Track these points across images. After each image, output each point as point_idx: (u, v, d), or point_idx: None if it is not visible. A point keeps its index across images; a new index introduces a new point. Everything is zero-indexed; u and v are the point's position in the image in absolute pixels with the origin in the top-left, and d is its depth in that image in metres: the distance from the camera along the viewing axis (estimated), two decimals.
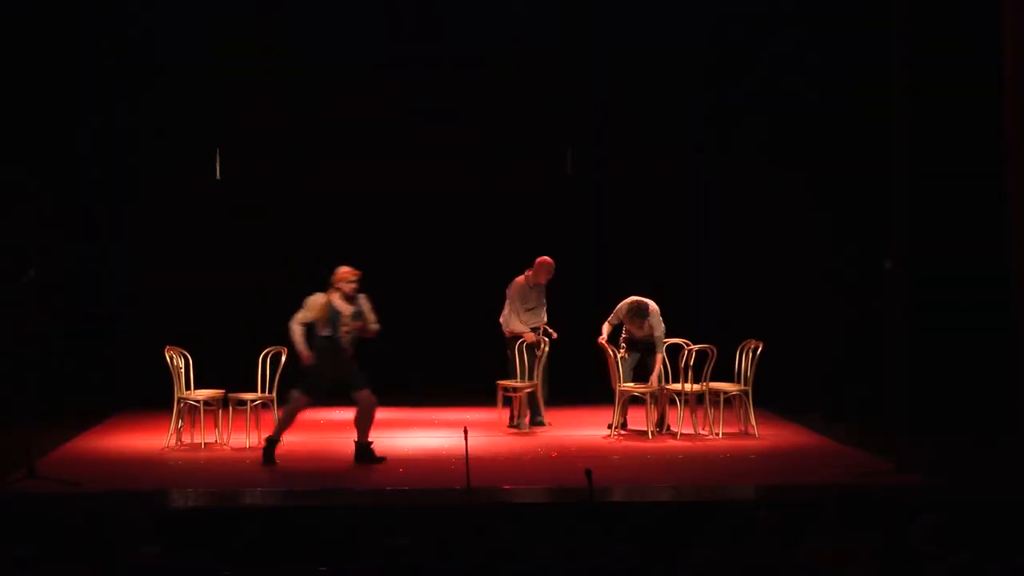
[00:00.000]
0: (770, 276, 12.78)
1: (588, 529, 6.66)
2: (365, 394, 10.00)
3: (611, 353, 11.11)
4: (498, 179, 13.25)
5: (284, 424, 10.03)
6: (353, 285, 9.99)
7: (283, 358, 10.56)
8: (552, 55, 13.14)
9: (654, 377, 11.07)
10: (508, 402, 11.53)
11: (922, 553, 6.15)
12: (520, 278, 11.50)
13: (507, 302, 11.57)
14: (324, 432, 11.48)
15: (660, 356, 11.08)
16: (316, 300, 9.98)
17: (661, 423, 11.18)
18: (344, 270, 10.01)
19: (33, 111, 12.50)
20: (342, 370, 10.02)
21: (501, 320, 11.62)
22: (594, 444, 10.80)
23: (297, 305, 13.05)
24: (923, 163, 11.19)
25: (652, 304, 11.13)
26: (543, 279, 11.49)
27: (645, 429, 11.08)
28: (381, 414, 12.35)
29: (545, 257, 11.48)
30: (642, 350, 11.21)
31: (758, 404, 11.16)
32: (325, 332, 9.97)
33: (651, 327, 11.10)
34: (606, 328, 11.25)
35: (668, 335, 11.16)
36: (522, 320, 11.46)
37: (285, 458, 10.13)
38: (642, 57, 13.16)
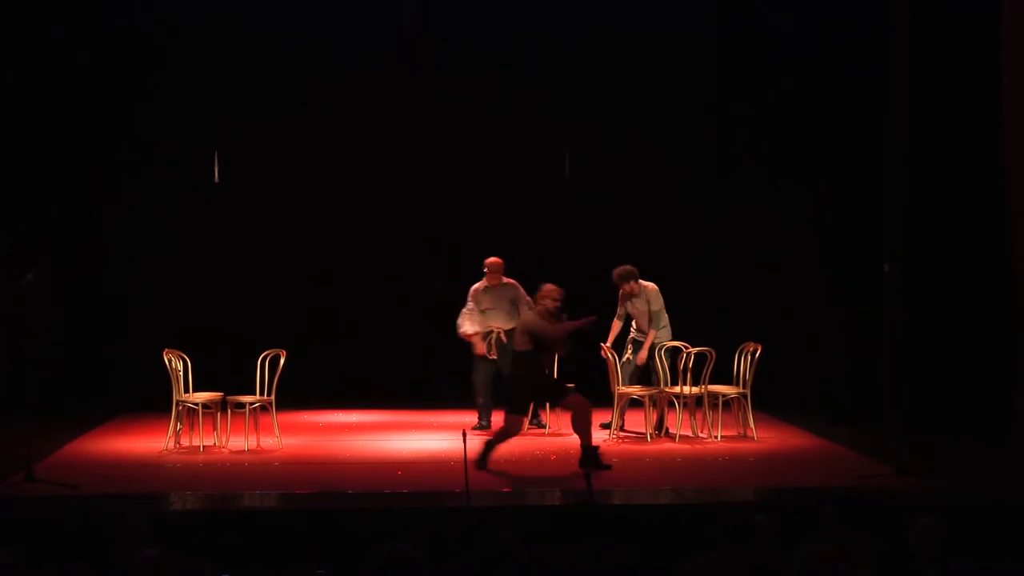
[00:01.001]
0: (769, 278, 12.77)
1: (587, 532, 6.65)
2: (574, 399, 9.92)
3: (610, 355, 11.12)
4: (496, 182, 13.24)
5: (500, 442, 9.82)
6: (557, 303, 9.92)
7: (282, 360, 10.55)
8: (551, 58, 13.13)
9: (643, 353, 11.17)
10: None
11: (921, 555, 6.15)
12: (479, 282, 11.53)
13: None
14: (323, 435, 11.47)
15: (653, 332, 11.18)
16: (531, 318, 9.99)
17: (660, 426, 11.19)
18: (549, 287, 9.97)
19: (33, 112, 12.52)
20: (543, 384, 10.00)
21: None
22: None
23: (295, 305, 13.17)
24: (922, 164, 11.20)
25: (651, 284, 11.26)
26: (493, 281, 11.46)
27: (644, 431, 11.08)
28: (380, 416, 12.45)
29: (492, 258, 11.50)
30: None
31: (757, 407, 11.15)
32: (525, 347, 9.92)
33: (648, 301, 11.22)
34: (615, 326, 11.40)
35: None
36: (475, 322, 11.48)
37: (284, 460, 10.14)
38: (641, 59, 13.15)
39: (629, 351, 11.36)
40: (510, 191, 13.26)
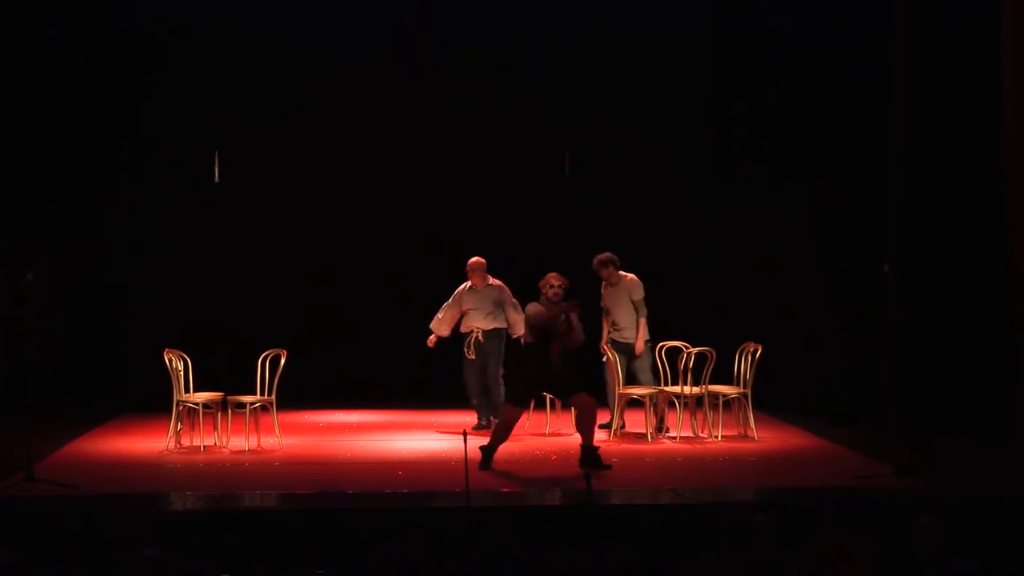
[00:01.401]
0: (769, 278, 12.77)
1: (587, 532, 6.64)
2: (581, 398, 9.87)
3: (610, 356, 11.12)
4: (496, 182, 13.24)
5: (500, 437, 9.84)
6: (555, 291, 9.90)
7: (282, 360, 10.55)
8: (551, 58, 13.13)
9: (639, 342, 11.18)
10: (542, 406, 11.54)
11: (921, 555, 6.14)
12: (466, 283, 11.55)
13: None
14: (323, 435, 11.47)
15: (643, 321, 11.22)
16: (530, 307, 9.97)
17: (660, 425, 11.19)
18: (548, 275, 9.97)
19: (33, 112, 12.52)
20: (549, 378, 9.95)
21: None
22: None
23: (295, 305, 13.17)
24: (922, 164, 11.20)
25: (632, 275, 11.33)
26: (478, 282, 11.45)
27: (644, 431, 11.07)
28: (380, 416, 12.45)
29: (474, 258, 11.50)
30: (628, 354, 11.26)
31: (757, 407, 11.15)
32: (528, 339, 9.93)
33: (629, 292, 11.26)
34: (607, 326, 11.39)
35: (668, 338, 11.23)
36: (444, 321, 11.55)
37: (284, 460, 10.14)
38: (641, 59, 13.15)
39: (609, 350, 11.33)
40: (510, 191, 13.26)
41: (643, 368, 11.25)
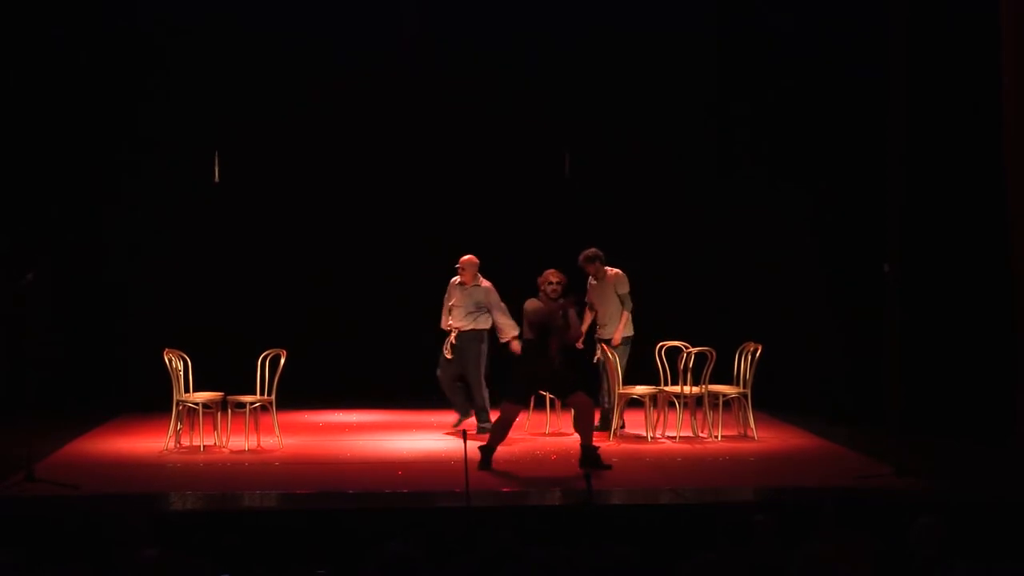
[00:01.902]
0: (769, 278, 12.77)
1: (587, 532, 6.64)
2: (578, 398, 9.87)
3: (609, 355, 11.12)
4: (496, 182, 13.23)
5: (499, 435, 9.85)
6: (554, 287, 9.89)
7: (282, 360, 10.55)
8: (551, 58, 13.13)
9: (617, 334, 11.14)
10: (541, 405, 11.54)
11: (921, 555, 6.14)
12: (457, 276, 11.53)
13: None
14: (323, 435, 11.47)
15: (627, 314, 11.20)
16: (528, 303, 9.95)
17: (606, 425, 11.13)
18: (547, 273, 9.97)
19: (33, 112, 12.52)
20: (548, 375, 9.94)
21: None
22: None
23: (295, 305, 13.18)
24: (922, 164, 11.20)
25: (618, 270, 11.31)
26: (467, 279, 11.37)
27: (644, 432, 11.08)
28: (380, 416, 12.46)
29: (466, 256, 11.46)
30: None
31: (757, 407, 11.15)
32: (527, 335, 9.92)
33: (615, 286, 11.25)
34: (588, 318, 11.37)
35: (668, 338, 11.22)
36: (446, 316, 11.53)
37: (284, 460, 10.14)
38: (641, 59, 13.15)
39: (599, 352, 11.33)
40: (510, 191, 13.25)
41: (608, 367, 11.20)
